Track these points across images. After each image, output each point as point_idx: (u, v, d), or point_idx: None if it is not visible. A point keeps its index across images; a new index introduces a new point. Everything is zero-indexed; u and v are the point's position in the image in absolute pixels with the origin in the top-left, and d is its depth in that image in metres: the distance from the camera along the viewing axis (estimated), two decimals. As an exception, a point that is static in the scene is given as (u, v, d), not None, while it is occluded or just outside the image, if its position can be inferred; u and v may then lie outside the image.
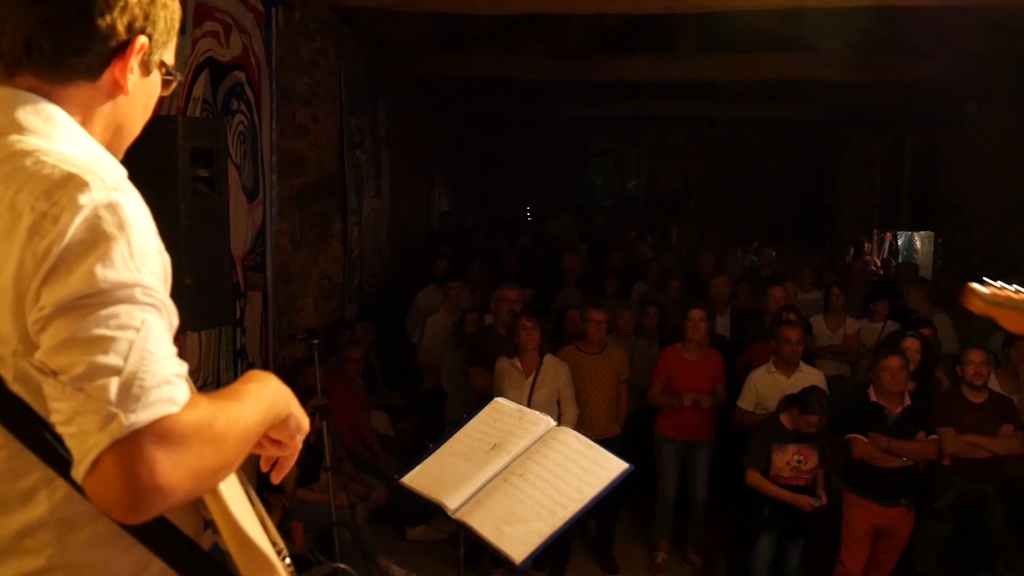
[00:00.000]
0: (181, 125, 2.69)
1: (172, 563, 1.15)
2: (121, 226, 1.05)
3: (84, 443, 0.99)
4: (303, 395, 4.91)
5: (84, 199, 1.04)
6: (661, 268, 8.39)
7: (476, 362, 5.65)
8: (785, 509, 4.68)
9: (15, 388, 1.09)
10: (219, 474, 1.11)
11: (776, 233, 12.44)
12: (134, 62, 1.23)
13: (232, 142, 4.58)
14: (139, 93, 1.29)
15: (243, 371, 4.80)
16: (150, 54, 1.26)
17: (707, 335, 5.53)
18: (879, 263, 11.02)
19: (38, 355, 1.02)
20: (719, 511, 5.74)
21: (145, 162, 1.52)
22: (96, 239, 1.03)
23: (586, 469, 2.01)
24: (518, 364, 5.13)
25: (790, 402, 4.71)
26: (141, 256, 1.06)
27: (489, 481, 2.02)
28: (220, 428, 1.07)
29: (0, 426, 1.10)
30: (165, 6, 1.27)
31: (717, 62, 8.79)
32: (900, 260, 11.21)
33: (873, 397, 4.68)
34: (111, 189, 1.07)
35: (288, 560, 1.28)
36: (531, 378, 5.09)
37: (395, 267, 8.99)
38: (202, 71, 4.20)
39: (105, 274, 1.01)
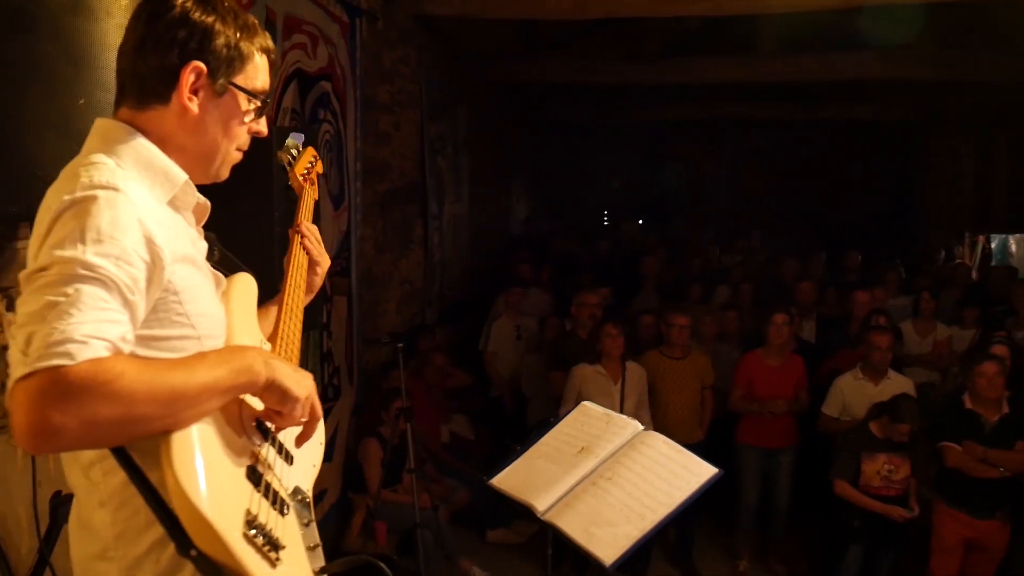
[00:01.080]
0: (274, 135, 2.78)
1: (152, 508, 1.30)
2: (80, 214, 1.25)
3: (10, 380, 1.18)
4: (387, 398, 5.03)
5: (67, 196, 1.28)
6: (743, 272, 8.28)
7: (557, 367, 5.66)
8: (875, 520, 4.57)
9: None
10: (132, 427, 1.21)
11: (860, 237, 12.13)
12: (193, 85, 1.44)
13: (319, 150, 4.69)
14: (212, 114, 1.48)
15: (330, 374, 4.91)
16: (213, 78, 1.45)
17: (790, 340, 5.44)
18: (972, 267, 10.66)
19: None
20: (803, 520, 5.63)
21: (241, 171, 1.67)
22: (60, 225, 1.25)
23: (675, 473, 2.01)
24: (603, 370, 5.13)
25: (880, 410, 4.60)
26: (94, 239, 1.24)
27: (578, 484, 2.04)
28: (125, 385, 1.17)
29: None
30: (220, 32, 1.45)
31: (797, 63, 8.64)
32: (994, 263, 10.82)
33: (968, 404, 4.52)
34: (93, 187, 1.29)
35: (254, 534, 1.29)
36: (619, 384, 5.08)
37: (475, 272, 9.07)
38: (291, 82, 4.33)
39: (55, 252, 1.22)
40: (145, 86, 1.44)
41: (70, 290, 1.19)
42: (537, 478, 2.05)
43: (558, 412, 5.39)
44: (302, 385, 1.43)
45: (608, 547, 1.84)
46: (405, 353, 4.72)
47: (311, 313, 3.12)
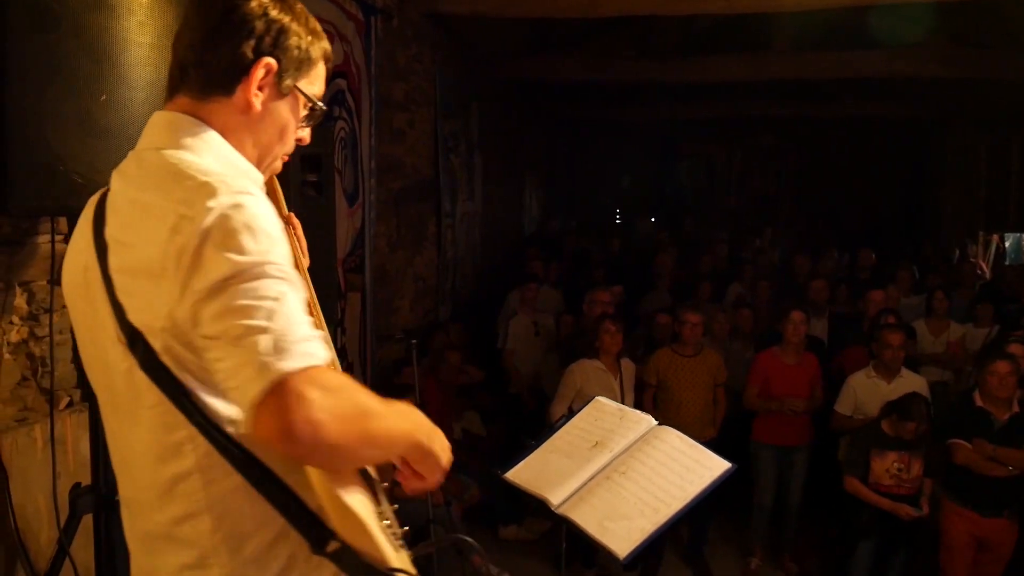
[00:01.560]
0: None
1: (283, 513, 1.31)
2: (245, 222, 1.23)
3: (246, 393, 1.16)
4: (399, 394, 5.05)
5: (212, 203, 1.23)
6: (755, 270, 8.27)
7: (569, 364, 5.67)
8: (886, 517, 4.57)
9: (165, 359, 1.28)
10: (362, 440, 1.23)
11: (874, 235, 12.09)
12: (261, 82, 1.40)
13: (335, 148, 4.73)
14: (272, 114, 1.45)
15: (345, 370, 4.93)
16: (280, 77, 1.43)
17: (805, 338, 5.45)
18: (985, 266, 10.62)
19: (200, 329, 1.21)
20: (814, 517, 5.63)
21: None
22: (226, 233, 1.21)
23: (688, 468, 2.02)
24: (602, 366, 5.18)
25: (891, 408, 4.60)
26: (267, 243, 1.23)
27: (592, 478, 2.06)
28: (362, 400, 1.23)
29: (155, 386, 1.29)
30: (297, 34, 1.43)
31: (812, 60, 8.62)
32: (1008, 262, 10.78)
33: (979, 402, 4.52)
34: (236, 193, 1.25)
35: (396, 532, 1.37)
36: (618, 379, 5.13)
37: (487, 269, 9.09)
38: (307, 79, 4.34)
39: (239, 258, 1.20)
40: (212, 76, 1.40)
41: (275, 292, 1.20)
42: (551, 472, 2.07)
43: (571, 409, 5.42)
44: (446, 454, 1.45)
45: (622, 540, 1.86)
46: (418, 350, 4.73)
47: (328, 309, 3.16)
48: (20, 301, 2.65)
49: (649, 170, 15.94)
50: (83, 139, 2.22)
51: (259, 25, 1.39)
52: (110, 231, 1.35)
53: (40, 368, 2.74)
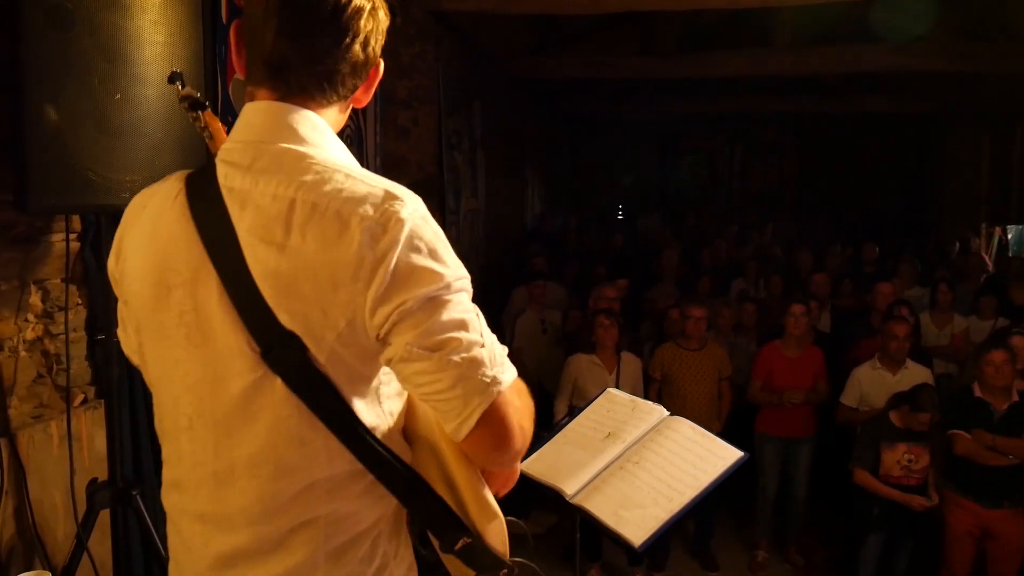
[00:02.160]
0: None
1: (421, 514, 1.34)
2: (436, 233, 1.25)
3: (468, 403, 1.21)
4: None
5: (404, 213, 1.22)
6: (759, 265, 8.29)
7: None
8: (894, 509, 4.59)
9: (325, 368, 1.24)
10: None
11: (876, 229, 12.10)
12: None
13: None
14: (347, 111, 1.45)
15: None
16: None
17: (808, 331, 5.47)
18: (988, 258, 10.64)
19: (407, 339, 1.20)
20: (821, 510, 5.65)
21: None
22: (426, 244, 1.22)
23: (701, 457, 2.05)
24: (598, 360, 5.21)
25: (900, 399, 4.62)
26: (449, 254, 1.26)
27: (605, 468, 2.08)
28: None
29: (295, 396, 1.25)
30: (386, 29, 1.39)
31: (814, 55, 8.63)
32: (1011, 255, 10.80)
33: (978, 393, 4.54)
34: (418, 202, 1.27)
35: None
36: (613, 374, 5.15)
37: (490, 266, 9.11)
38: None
39: (444, 271, 1.22)
40: (326, 78, 1.32)
41: (470, 307, 1.26)
42: (565, 463, 2.10)
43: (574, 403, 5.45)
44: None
45: (637, 528, 1.88)
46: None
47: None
48: (35, 299, 2.68)
49: (651, 166, 15.95)
50: (98, 137, 2.25)
51: (375, 26, 1.34)
52: (250, 230, 1.25)
53: (55, 365, 2.76)
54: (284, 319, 1.22)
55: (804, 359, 5.36)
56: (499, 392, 1.21)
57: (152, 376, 1.41)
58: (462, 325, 1.21)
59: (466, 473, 1.31)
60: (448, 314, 1.20)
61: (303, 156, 1.27)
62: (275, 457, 1.27)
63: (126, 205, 1.47)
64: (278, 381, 1.24)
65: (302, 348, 1.22)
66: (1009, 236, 11.86)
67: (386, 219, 1.20)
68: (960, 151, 12.87)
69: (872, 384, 5.11)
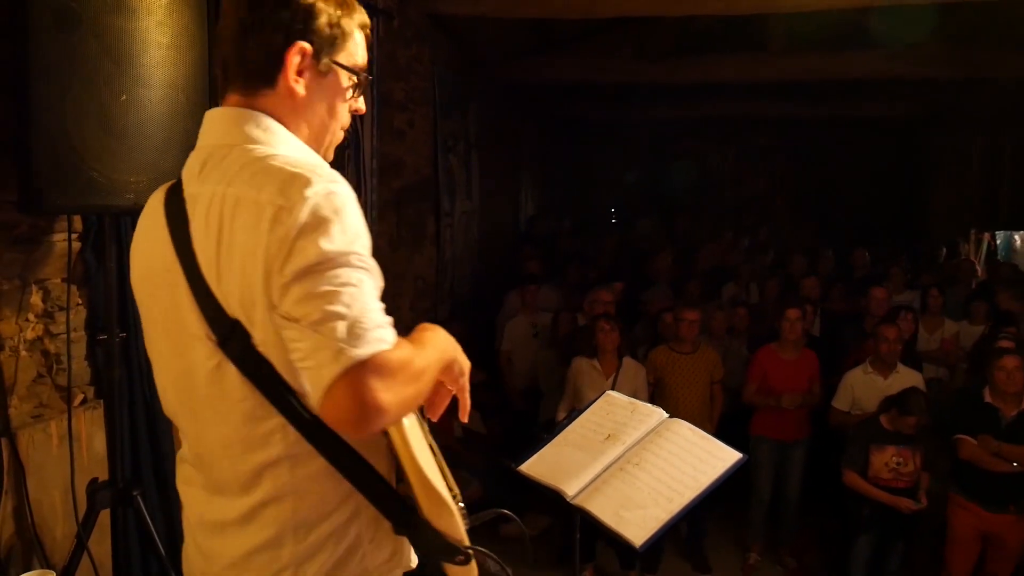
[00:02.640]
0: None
1: (366, 494, 1.39)
2: (336, 210, 1.29)
3: (320, 373, 1.23)
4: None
5: (309, 192, 1.28)
6: (752, 269, 8.34)
7: (568, 362, 5.72)
8: (884, 511, 4.63)
9: (261, 349, 1.33)
10: (415, 403, 1.36)
11: (867, 233, 12.17)
12: (299, 66, 1.42)
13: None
14: (317, 94, 1.47)
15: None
16: (317, 57, 1.44)
17: (803, 335, 5.51)
18: (977, 264, 10.71)
19: (282, 309, 1.27)
20: (813, 512, 5.69)
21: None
22: (319, 221, 1.27)
23: (701, 459, 2.08)
24: (597, 365, 5.23)
25: (890, 403, 4.66)
26: (353, 232, 1.30)
27: (605, 469, 2.10)
28: (418, 365, 1.32)
29: (248, 380, 1.35)
30: (322, 11, 1.43)
31: (807, 61, 8.67)
32: (1000, 260, 10.87)
33: (988, 398, 4.55)
34: (328, 181, 1.31)
35: (462, 505, 1.46)
36: (610, 379, 5.17)
37: (484, 268, 9.13)
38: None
39: (327, 246, 1.26)
40: (251, 71, 1.42)
41: (355, 280, 1.27)
42: (565, 464, 2.12)
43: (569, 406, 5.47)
44: (467, 361, 1.56)
45: (638, 529, 1.91)
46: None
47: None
48: (36, 299, 2.69)
49: (644, 169, 15.99)
50: (103, 138, 2.26)
51: (285, 13, 1.40)
52: (196, 230, 1.37)
53: (55, 365, 2.77)
54: (228, 308, 1.33)
55: (799, 362, 5.40)
56: (354, 364, 1.21)
57: (154, 369, 1.54)
58: (325, 297, 1.24)
59: (411, 459, 1.34)
60: (319, 286, 1.24)
61: (244, 153, 1.38)
62: (240, 437, 1.38)
63: (129, 206, 1.54)
64: (232, 367, 1.35)
65: (245, 334, 1.32)
66: (997, 242, 11.94)
67: (292, 202, 1.27)
68: (950, 156, 12.95)
69: (864, 388, 5.15)
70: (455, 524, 1.37)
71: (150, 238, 1.47)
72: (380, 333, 1.25)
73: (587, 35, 9.10)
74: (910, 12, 7.05)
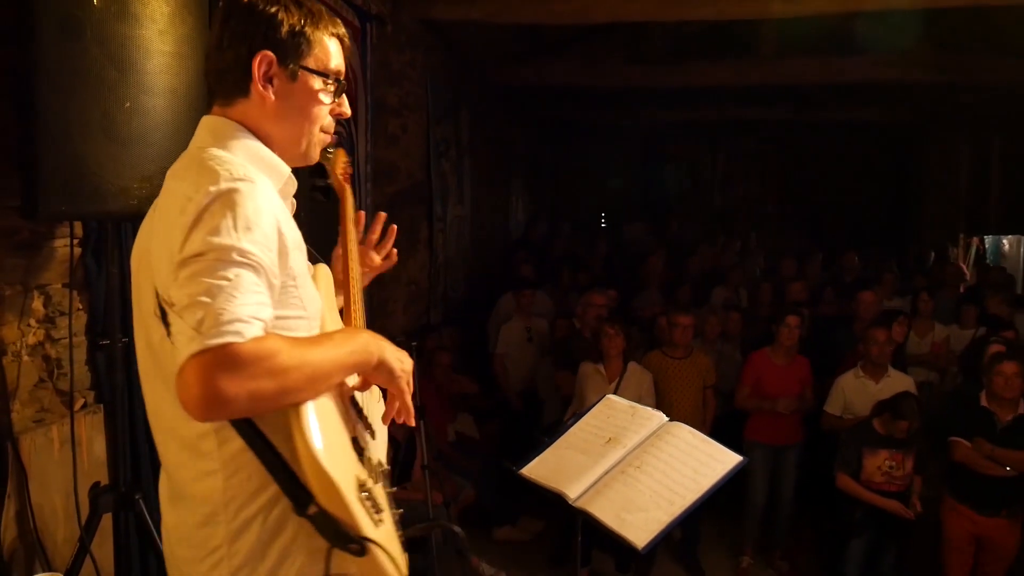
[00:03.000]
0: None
1: (274, 476, 1.43)
2: (230, 205, 1.36)
3: (179, 354, 1.30)
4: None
5: (212, 187, 1.37)
6: (743, 273, 8.38)
7: (563, 367, 5.75)
8: (877, 514, 4.67)
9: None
10: (282, 398, 1.35)
11: (857, 238, 12.24)
12: (267, 74, 1.53)
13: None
14: (288, 100, 1.56)
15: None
16: (283, 64, 1.54)
17: (799, 341, 5.54)
18: (966, 268, 10.79)
19: (168, 292, 1.36)
20: (806, 516, 5.72)
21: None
22: (211, 215, 1.35)
23: (701, 462, 2.11)
24: (602, 370, 5.25)
25: (883, 407, 4.70)
26: (244, 228, 1.35)
27: (607, 472, 2.13)
28: (281, 361, 1.32)
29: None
30: (283, 21, 1.53)
31: (798, 66, 8.73)
32: (988, 264, 10.96)
33: (984, 402, 4.59)
34: (235, 180, 1.39)
35: (365, 496, 1.45)
36: (614, 384, 5.19)
37: (476, 273, 9.15)
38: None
39: (210, 239, 1.33)
40: (227, 82, 1.54)
41: (231, 274, 1.32)
42: (567, 468, 2.14)
43: (566, 411, 5.50)
44: (404, 363, 1.60)
45: (640, 531, 1.93)
46: (416, 353, 4.78)
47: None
48: (37, 304, 2.70)
49: (634, 173, 16.04)
50: (107, 145, 2.27)
51: (249, 25, 1.51)
52: (153, 218, 1.50)
53: (56, 370, 2.78)
54: (160, 290, 1.42)
55: (792, 367, 5.43)
56: (201, 350, 1.25)
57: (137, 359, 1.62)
58: (197, 285, 1.30)
59: (305, 446, 1.36)
60: (194, 275, 1.31)
61: (197, 154, 1.49)
62: (175, 410, 1.42)
63: (132, 212, 1.61)
64: (168, 343, 1.42)
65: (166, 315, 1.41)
66: (986, 246, 12.03)
67: (199, 195, 1.37)
68: (940, 161, 13.05)
69: (855, 392, 5.19)
70: (351, 514, 1.38)
71: (143, 227, 1.59)
72: (237, 326, 1.28)
73: (579, 40, 9.15)
74: (897, 17, 7.12)
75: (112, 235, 2.57)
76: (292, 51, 1.54)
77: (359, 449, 1.55)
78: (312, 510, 1.39)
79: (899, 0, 6.08)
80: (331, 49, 1.60)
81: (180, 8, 2.39)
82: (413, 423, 1.68)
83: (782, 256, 9.24)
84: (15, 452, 2.51)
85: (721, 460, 2.11)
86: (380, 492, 1.55)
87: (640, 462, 2.14)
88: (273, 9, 1.52)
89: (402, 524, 1.61)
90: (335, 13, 4.71)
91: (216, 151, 1.48)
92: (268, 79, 1.52)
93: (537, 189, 14.29)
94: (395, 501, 1.67)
